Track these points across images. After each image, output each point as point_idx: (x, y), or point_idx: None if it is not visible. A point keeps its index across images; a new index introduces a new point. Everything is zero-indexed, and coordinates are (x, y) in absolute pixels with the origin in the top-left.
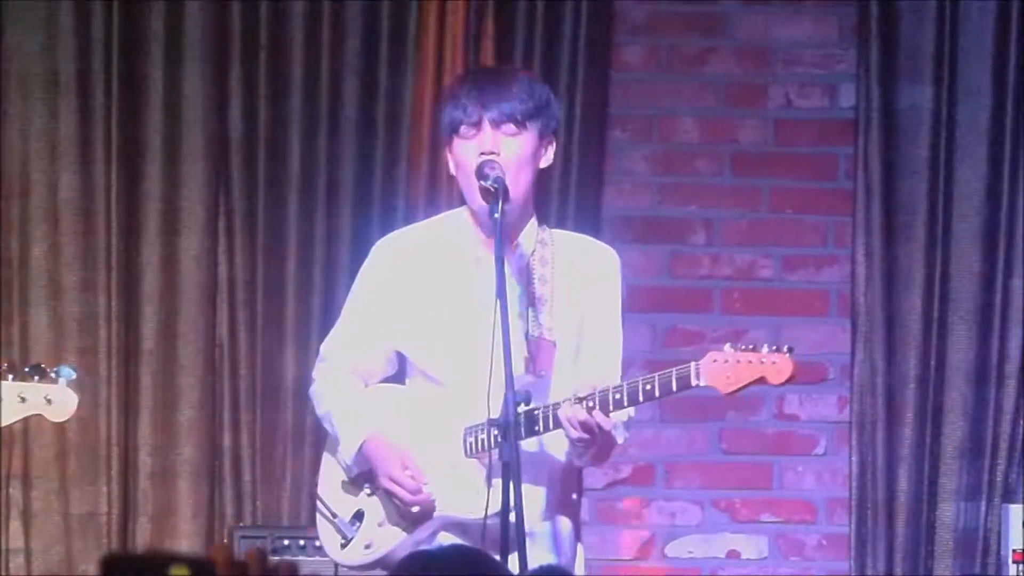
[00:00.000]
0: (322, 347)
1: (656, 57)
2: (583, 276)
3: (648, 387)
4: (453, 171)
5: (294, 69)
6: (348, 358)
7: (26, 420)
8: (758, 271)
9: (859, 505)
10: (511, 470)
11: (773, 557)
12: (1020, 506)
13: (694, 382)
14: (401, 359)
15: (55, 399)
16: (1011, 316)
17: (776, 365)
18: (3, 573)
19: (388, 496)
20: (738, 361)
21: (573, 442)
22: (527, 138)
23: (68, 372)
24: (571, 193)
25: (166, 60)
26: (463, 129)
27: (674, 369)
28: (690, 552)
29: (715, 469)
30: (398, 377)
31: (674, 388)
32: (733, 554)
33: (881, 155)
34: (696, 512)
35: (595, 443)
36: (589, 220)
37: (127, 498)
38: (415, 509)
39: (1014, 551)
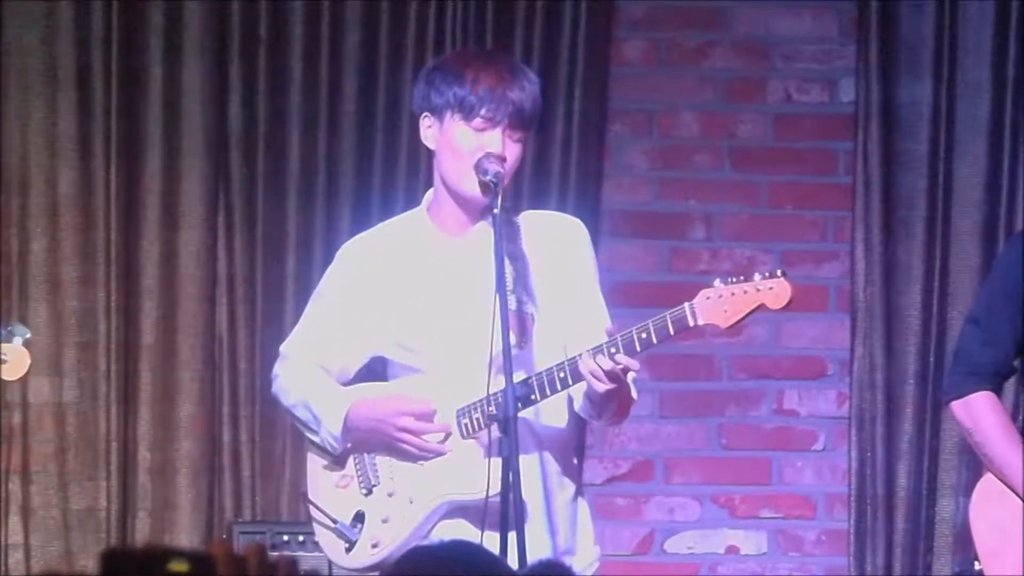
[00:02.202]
0: (282, 347)
1: (656, 52)
2: (554, 248)
3: (644, 335)
4: (432, 145)
5: (294, 64)
6: (313, 355)
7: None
8: (757, 266)
9: (858, 501)
10: (511, 467)
11: (772, 553)
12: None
13: (691, 322)
14: (370, 367)
15: (9, 357)
16: None
17: (774, 290)
18: (2, 568)
19: (390, 477)
20: (732, 293)
21: (597, 399)
22: (524, 143)
23: (22, 331)
24: (570, 187)
25: (166, 55)
26: (477, 121)
27: (667, 313)
28: (689, 547)
29: (714, 464)
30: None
31: (671, 331)
32: (732, 549)
33: (881, 150)
34: (695, 507)
35: (618, 395)
36: (588, 215)
37: (126, 493)
38: (431, 456)
39: None
